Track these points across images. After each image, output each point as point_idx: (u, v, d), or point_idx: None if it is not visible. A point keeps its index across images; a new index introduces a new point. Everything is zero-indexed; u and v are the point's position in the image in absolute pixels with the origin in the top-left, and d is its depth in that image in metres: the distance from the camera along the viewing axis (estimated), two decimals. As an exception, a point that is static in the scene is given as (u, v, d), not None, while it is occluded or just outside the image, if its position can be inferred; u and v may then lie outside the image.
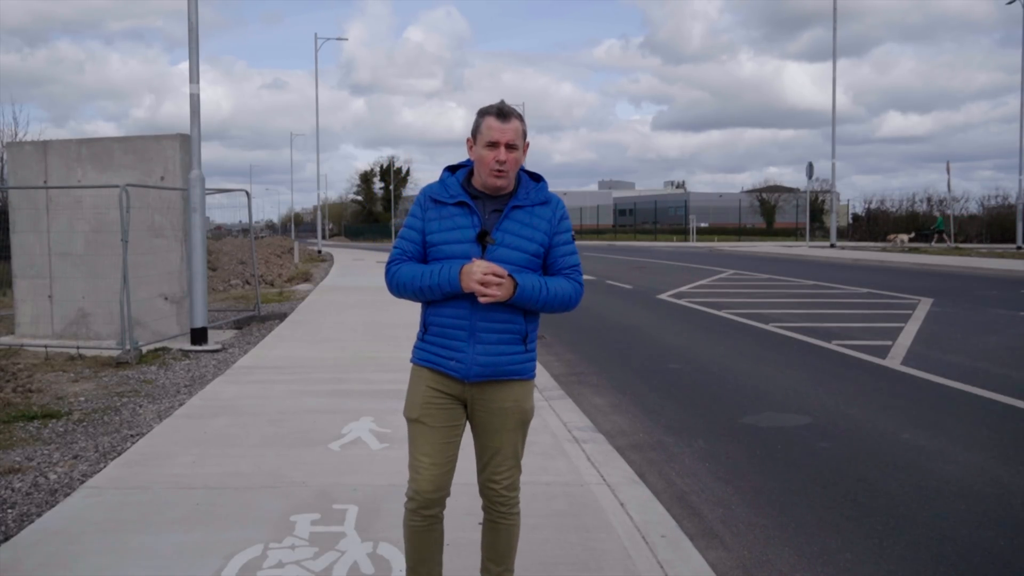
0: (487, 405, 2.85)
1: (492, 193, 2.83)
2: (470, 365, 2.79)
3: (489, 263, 2.69)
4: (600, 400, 7.05)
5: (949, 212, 43.29)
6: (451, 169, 2.94)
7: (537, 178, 2.92)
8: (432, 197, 2.86)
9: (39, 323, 10.23)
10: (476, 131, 2.82)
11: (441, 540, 2.96)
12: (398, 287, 2.85)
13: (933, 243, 38.63)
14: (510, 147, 2.76)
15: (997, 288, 16.94)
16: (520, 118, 2.82)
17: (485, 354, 2.78)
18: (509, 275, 2.72)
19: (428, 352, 2.86)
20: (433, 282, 2.74)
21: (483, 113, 2.80)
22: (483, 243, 2.76)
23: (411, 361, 2.93)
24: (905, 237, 40.67)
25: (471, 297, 2.72)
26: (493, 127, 2.76)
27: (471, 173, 2.87)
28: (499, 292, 2.68)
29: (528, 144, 2.89)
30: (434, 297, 2.78)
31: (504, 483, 2.91)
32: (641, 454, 5.45)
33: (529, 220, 2.81)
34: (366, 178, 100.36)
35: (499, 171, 2.75)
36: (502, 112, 2.78)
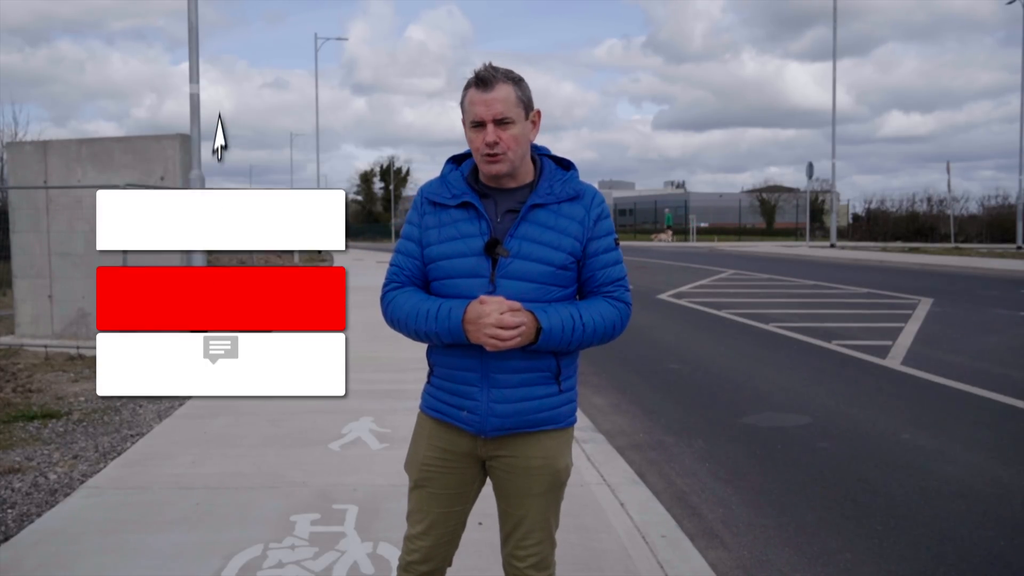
0: (508, 463, 2.26)
1: (503, 186, 2.21)
2: (485, 416, 2.19)
3: (502, 302, 2.07)
4: (600, 400, 7.05)
5: (690, 215, 55.54)
6: (455, 160, 2.31)
7: (567, 165, 2.28)
8: (429, 199, 2.25)
9: (39, 323, 10.24)
10: (462, 109, 2.20)
11: None
12: (394, 323, 2.27)
13: (670, 238, 48.69)
14: (501, 122, 2.11)
15: (997, 288, 16.94)
16: (514, 80, 2.16)
17: (504, 400, 2.18)
18: (530, 313, 2.10)
19: (435, 399, 2.29)
20: (431, 329, 2.16)
21: (466, 85, 2.18)
22: (493, 255, 2.14)
23: (419, 408, 2.37)
24: (665, 236, 51.28)
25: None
26: (475, 101, 2.14)
27: None
28: (516, 337, 2.07)
29: (539, 113, 2.23)
30: (436, 343, 2.24)
31: (529, 561, 2.29)
32: (641, 454, 5.45)
33: (554, 222, 2.17)
34: (366, 178, 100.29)
35: (491, 155, 2.14)
36: (482, 79, 2.13)
